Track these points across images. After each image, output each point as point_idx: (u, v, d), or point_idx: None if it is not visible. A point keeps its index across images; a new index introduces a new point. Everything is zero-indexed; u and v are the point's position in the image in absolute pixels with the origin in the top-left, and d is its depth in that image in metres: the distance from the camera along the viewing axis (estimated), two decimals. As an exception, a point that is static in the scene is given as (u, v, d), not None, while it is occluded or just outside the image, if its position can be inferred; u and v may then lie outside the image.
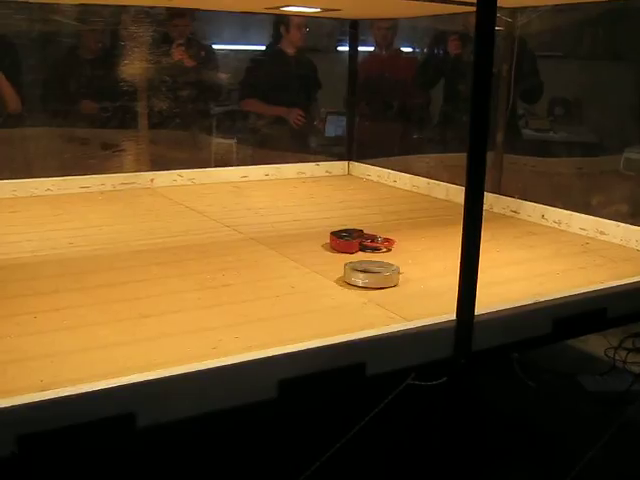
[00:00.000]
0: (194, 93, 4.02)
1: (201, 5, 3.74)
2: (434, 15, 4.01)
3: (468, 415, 1.77)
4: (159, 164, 3.72)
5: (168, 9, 3.83)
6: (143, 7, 3.51)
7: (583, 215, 2.82)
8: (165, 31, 3.90)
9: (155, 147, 3.86)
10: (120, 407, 1.36)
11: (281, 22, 4.40)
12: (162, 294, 1.99)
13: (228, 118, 4.40)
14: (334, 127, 4.64)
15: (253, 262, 2.33)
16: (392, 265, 2.17)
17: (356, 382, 1.66)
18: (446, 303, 1.77)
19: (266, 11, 3.81)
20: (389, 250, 2.47)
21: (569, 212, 2.87)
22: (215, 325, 1.75)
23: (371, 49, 4.73)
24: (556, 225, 2.89)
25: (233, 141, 4.28)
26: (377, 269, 2.14)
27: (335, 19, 4.24)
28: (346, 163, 4.17)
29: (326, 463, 1.67)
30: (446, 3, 3.00)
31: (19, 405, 1.27)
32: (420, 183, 3.64)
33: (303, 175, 4.01)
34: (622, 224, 2.66)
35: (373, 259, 2.28)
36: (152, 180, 3.59)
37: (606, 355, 3.26)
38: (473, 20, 1.57)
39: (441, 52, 4.55)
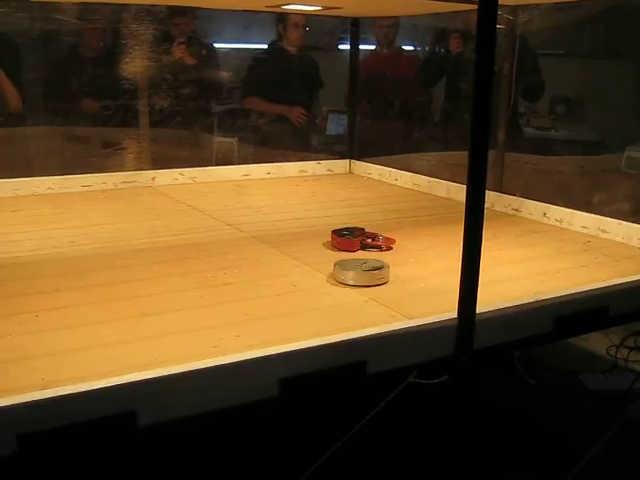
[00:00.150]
0: (195, 91, 4.02)
1: (202, 3, 3.74)
2: (435, 13, 4.01)
3: (470, 413, 1.77)
4: (160, 162, 3.72)
5: (169, 7, 3.82)
6: (144, 5, 3.51)
7: (585, 213, 2.81)
8: (166, 29, 3.90)
9: (156, 145, 3.86)
10: (121, 406, 1.36)
11: (279, 21, 4.40)
12: (163, 293, 1.99)
13: (229, 116, 4.40)
14: (335, 125, 4.63)
15: (254, 261, 2.33)
16: (382, 262, 2.17)
17: (357, 381, 1.66)
18: (447, 301, 1.77)
19: (267, 9, 3.80)
20: (390, 248, 2.47)
21: (571, 210, 2.86)
22: (216, 324, 1.75)
23: (372, 47, 4.72)
24: (558, 223, 2.89)
25: (234, 139, 4.28)
26: (367, 267, 2.14)
27: (336, 17, 4.24)
28: (347, 161, 4.17)
29: (327, 462, 1.67)
30: (447, 1, 2.99)
31: (20, 404, 1.27)
32: (421, 181, 3.64)
33: (304, 173, 4.01)
34: (624, 222, 2.65)
35: (363, 257, 2.28)
36: (153, 179, 3.60)
37: (608, 353, 3.26)
38: (474, 18, 1.57)
39: (442, 50, 4.55)
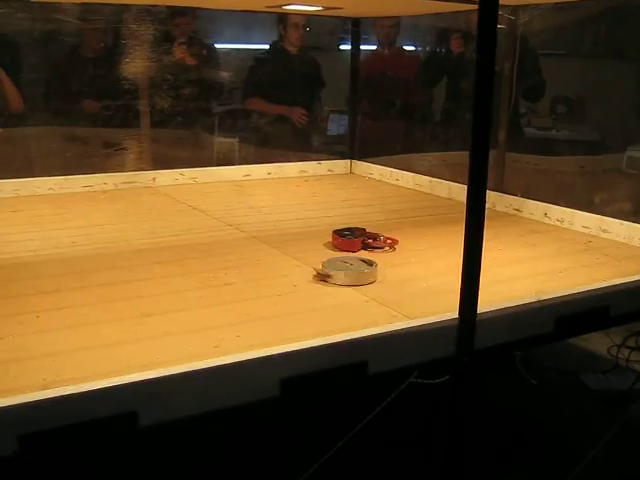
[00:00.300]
0: (196, 92, 4.01)
1: (203, 4, 3.74)
2: (436, 13, 4.01)
3: (471, 413, 1.77)
4: (161, 163, 3.72)
5: (170, 8, 3.82)
6: (145, 6, 3.51)
7: (586, 213, 2.81)
8: (167, 30, 3.89)
9: (157, 146, 3.86)
10: (122, 406, 1.36)
11: (280, 21, 4.40)
12: (164, 293, 1.99)
13: (230, 117, 4.39)
14: (336, 125, 4.63)
15: (255, 261, 2.33)
16: (370, 261, 2.19)
17: (358, 380, 1.66)
18: (449, 301, 1.77)
19: (268, 10, 3.80)
20: (392, 249, 2.47)
21: (572, 210, 2.86)
22: (217, 324, 1.75)
23: (373, 47, 4.72)
24: (559, 223, 2.89)
25: (235, 140, 4.28)
26: (355, 266, 2.14)
27: (337, 17, 4.24)
28: (348, 162, 4.17)
29: (329, 461, 1.67)
30: (448, 1, 2.99)
31: (21, 404, 1.27)
32: (422, 181, 3.64)
33: (305, 174, 4.01)
34: (625, 222, 2.65)
35: (354, 257, 2.29)
36: (154, 179, 3.60)
37: (609, 353, 3.26)
38: (475, 18, 1.57)
39: (443, 50, 4.55)
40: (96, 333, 1.68)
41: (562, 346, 3.26)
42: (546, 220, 2.94)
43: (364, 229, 2.55)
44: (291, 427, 2.55)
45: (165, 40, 3.82)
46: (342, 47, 4.70)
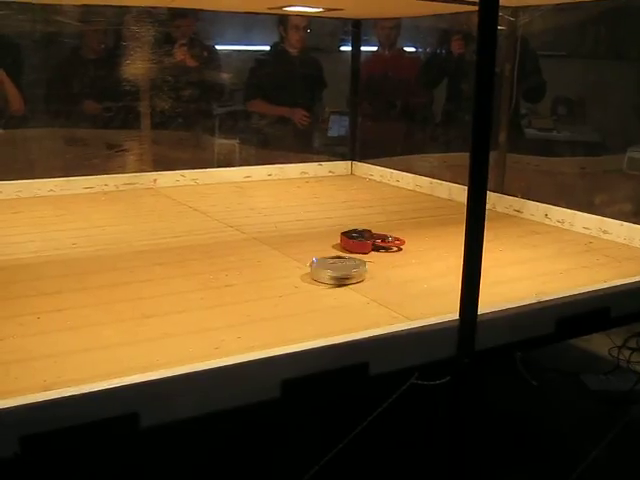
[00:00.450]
0: (196, 93, 4.02)
1: (203, 5, 3.74)
2: (437, 14, 4.01)
3: (471, 414, 1.77)
4: (162, 164, 3.72)
5: (170, 9, 3.83)
6: (145, 7, 3.51)
7: (586, 214, 2.81)
8: (167, 31, 3.90)
9: (158, 147, 3.86)
10: (123, 407, 1.36)
11: (281, 23, 4.40)
12: (165, 294, 1.99)
13: (231, 118, 4.40)
14: (337, 127, 4.64)
15: (256, 262, 2.33)
16: (359, 260, 2.20)
17: (359, 382, 1.66)
18: (449, 302, 1.77)
19: (269, 11, 3.81)
20: (400, 249, 2.47)
21: (572, 211, 2.86)
22: (218, 325, 1.75)
23: (374, 49, 4.72)
24: (559, 224, 2.89)
25: (236, 141, 4.28)
26: (343, 265, 2.15)
27: (337, 19, 4.24)
28: (349, 163, 4.17)
29: (330, 463, 1.67)
30: (448, 2, 2.99)
31: (22, 405, 1.27)
32: (423, 183, 3.64)
33: (306, 175, 4.01)
34: (626, 223, 2.65)
35: (342, 255, 2.30)
36: (155, 180, 3.60)
37: (610, 354, 3.26)
38: (475, 19, 1.57)
39: (444, 52, 4.55)
40: (97, 334, 1.68)
41: (563, 347, 3.26)
42: (547, 221, 2.94)
43: (370, 230, 2.55)
44: (292, 429, 2.55)
45: (166, 42, 3.83)
46: (343, 48, 4.71)
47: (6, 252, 2.40)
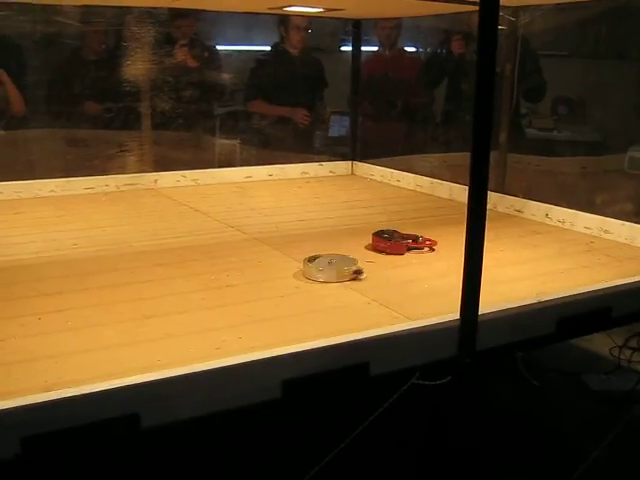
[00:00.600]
0: (197, 94, 4.02)
1: (204, 5, 3.74)
2: (437, 14, 4.01)
3: (473, 414, 1.77)
4: (162, 165, 3.72)
5: (171, 10, 3.83)
6: (146, 8, 3.51)
7: (587, 214, 2.81)
8: (168, 32, 3.90)
9: (158, 148, 3.86)
10: (124, 408, 1.36)
11: (281, 23, 4.40)
12: (166, 295, 1.99)
13: (231, 118, 4.40)
14: (338, 127, 4.64)
15: (257, 262, 2.33)
16: (351, 259, 2.21)
17: (360, 382, 1.66)
18: (450, 302, 1.77)
19: (269, 11, 3.81)
20: (432, 250, 2.48)
21: (573, 211, 2.86)
22: (219, 325, 1.75)
23: (374, 49, 4.72)
24: (560, 224, 2.89)
25: (236, 141, 4.28)
26: (335, 263, 2.16)
27: (338, 19, 4.24)
28: (350, 163, 4.17)
29: (331, 463, 1.67)
30: (449, 2, 2.99)
31: (23, 406, 1.27)
32: (424, 183, 3.64)
33: (307, 175, 4.01)
34: (627, 223, 2.65)
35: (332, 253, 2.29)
36: (156, 181, 3.60)
37: (611, 354, 3.26)
38: (476, 19, 1.57)
39: (444, 51, 4.55)
40: (98, 335, 1.68)
41: (564, 347, 3.26)
42: (547, 221, 2.94)
43: (397, 230, 2.53)
44: (293, 429, 2.55)
45: (166, 42, 3.83)
46: (343, 48, 4.71)
47: (7, 253, 2.40)
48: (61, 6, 3.42)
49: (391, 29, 4.56)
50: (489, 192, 1.66)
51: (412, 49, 4.97)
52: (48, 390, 1.34)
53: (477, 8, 1.55)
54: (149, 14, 3.53)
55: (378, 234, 2.49)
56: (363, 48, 4.23)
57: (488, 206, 1.67)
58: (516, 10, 3.35)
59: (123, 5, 3.49)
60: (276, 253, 2.44)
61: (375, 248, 2.46)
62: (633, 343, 3.15)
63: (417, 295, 2.03)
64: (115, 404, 1.35)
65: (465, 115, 3.83)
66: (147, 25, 3.53)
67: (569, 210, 2.88)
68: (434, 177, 3.62)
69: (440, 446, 1.83)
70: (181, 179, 3.67)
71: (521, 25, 3.41)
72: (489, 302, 1.79)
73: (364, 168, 4.08)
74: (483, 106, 1.60)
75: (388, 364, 1.67)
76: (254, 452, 2.49)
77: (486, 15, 1.56)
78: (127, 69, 3.61)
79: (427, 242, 2.49)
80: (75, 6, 3.50)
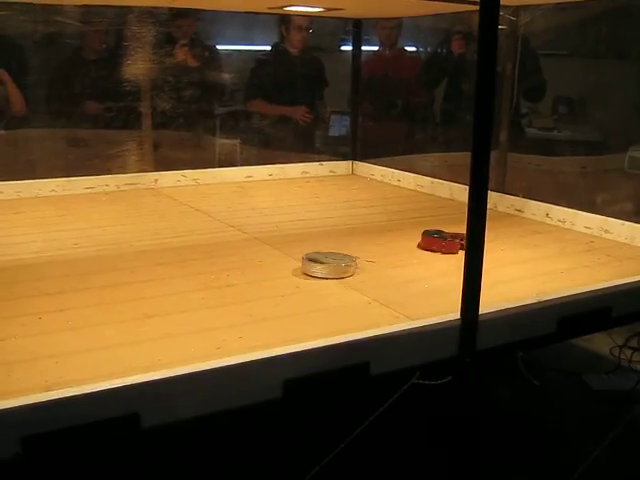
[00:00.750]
0: (197, 93, 4.02)
1: (204, 5, 3.74)
2: (437, 14, 4.01)
3: (473, 414, 1.77)
4: (163, 164, 3.72)
5: (171, 9, 3.83)
6: (147, 7, 3.51)
7: (588, 214, 2.81)
8: (169, 31, 3.90)
9: (159, 147, 3.86)
10: (125, 407, 1.36)
11: (282, 23, 4.40)
12: (166, 294, 1.99)
13: (232, 118, 4.40)
14: (338, 127, 4.64)
15: (257, 262, 2.33)
16: (348, 255, 2.23)
17: (361, 382, 1.66)
18: (450, 302, 1.77)
19: (269, 11, 3.81)
20: None
21: (573, 211, 2.86)
22: (219, 325, 1.75)
23: (375, 48, 4.72)
24: (560, 224, 2.89)
25: (237, 141, 4.29)
26: (334, 260, 2.18)
27: (338, 18, 4.24)
28: (350, 163, 4.17)
29: (331, 463, 1.67)
30: (449, 2, 2.99)
31: (23, 406, 1.27)
32: (424, 182, 3.64)
33: (307, 175, 4.01)
34: (627, 222, 2.65)
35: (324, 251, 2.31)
36: (156, 180, 3.60)
37: (611, 354, 3.25)
38: (476, 19, 1.57)
39: (445, 51, 4.55)
40: (98, 335, 1.68)
41: (564, 347, 3.26)
42: (548, 221, 2.94)
43: (441, 230, 2.54)
44: (293, 428, 2.55)
45: (167, 42, 3.83)
46: (343, 48, 4.71)
47: (8, 252, 2.40)
48: (62, 6, 3.42)
49: (391, 29, 4.56)
50: (489, 192, 1.67)
51: (412, 49, 4.97)
52: (49, 389, 1.34)
53: (477, 8, 1.55)
54: (149, 14, 3.53)
55: (428, 234, 2.49)
56: (363, 48, 4.24)
57: (488, 206, 1.67)
58: (516, 9, 3.35)
59: (124, 5, 3.49)
60: (276, 253, 2.44)
61: (428, 247, 2.46)
62: (633, 343, 3.14)
63: (418, 295, 2.03)
64: (115, 403, 1.35)
65: (465, 115, 3.84)
66: (147, 25, 3.53)
67: (569, 210, 2.88)
68: (434, 177, 3.62)
69: (441, 446, 1.83)
70: (181, 179, 3.67)
71: (521, 24, 3.41)
72: (489, 302, 1.79)
73: (364, 168, 4.08)
74: (483, 106, 1.60)
75: (388, 364, 1.67)
76: (255, 452, 2.49)
77: (486, 15, 1.56)
78: (127, 69, 3.61)
79: None
80: (76, 6, 3.50)
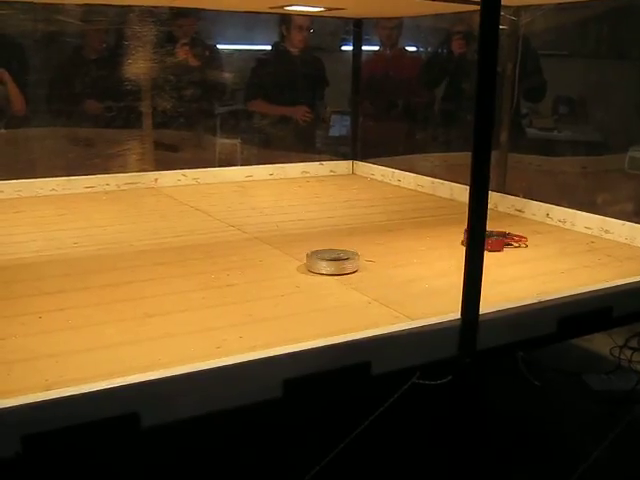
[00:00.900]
0: (198, 93, 4.02)
1: (205, 5, 3.74)
2: (438, 14, 4.01)
3: (473, 414, 1.77)
4: (163, 164, 3.72)
5: (172, 9, 3.83)
6: (147, 7, 3.51)
7: (588, 214, 2.81)
8: (169, 30, 3.90)
9: (159, 147, 3.86)
10: (124, 407, 1.36)
11: (283, 23, 4.40)
12: (166, 294, 1.99)
13: (232, 118, 4.40)
14: (338, 126, 4.64)
15: (257, 262, 2.33)
16: (352, 252, 2.25)
17: (361, 381, 1.66)
18: (451, 302, 1.77)
19: (270, 11, 3.81)
20: (525, 245, 2.52)
21: (574, 211, 2.86)
22: (219, 325, 1.75)
23: (375, 48, 4.72)
24: (561, 224, 2.89)
25: (237, 141, 4.28)
26: (338, 256, 2.20)
27: (339, 18, 4.24)
28: (350, 162, 4.17)
29: (331, 463, 1.67)
30: (450, 2, 2.99)
31: (24, 405, 1.28)
32: (424, 182, 3.64)
33: (307, 175, 4.01)
34: (627, 223, 2.65)
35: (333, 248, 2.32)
36: (156, 180, 3.60)
37: (611, 354, 3.25)
38: (477, 19, 1.57)
39: (445, 51, 4.55)
40: (98, 334, 1.68)
41: (564, 347, 3.25)
42: (548, 221, 2.94)
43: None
44: (293, 428, 2.55)
45: (168, 41, 3.83)
46: (344, 48, 4.71)
47: (8, 251, 2.40)
48: (62, 5, 3.42)
49: (392, 29, 4.56)
50: (490, 192, 1.67)
51: (413, 49, 4.97)
52: (49, 389, 1.34)
53: (478, 8, 1.55)
54: (150, 13, 3.53)
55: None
56: (364, 48, 4.24)
57: (489, 206, 1.67)
58: (517, 10, 3.35)
59: (124, 4, 3.49)
60: (276, 252, 2.44)
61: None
62: (634, 343, 3.15)
63: (418, 295, 2.03)
64: (115, 403, 1.35)
65: (466, 115, 3.83)
66: (148, 24, 3.53)
67: (570, 210, 2.88)
68: (435, 177, 3.62)
69: (441, 446, 1.83)
70: (182, 178, 3.67)
71: (522, 25, 3.41)
72: (490, 302, 1.79)
73: (365, 168, 4.08)
74: (484, 106, 1.60)
75: (389, 364, 1.67)
76: (255, 451, 2.49)
77: (487, 15, 1.56)
78: (128, 68, 3.61)
79: (517, 238, 2.54)
80: (76, 5, 3.49)
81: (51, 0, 3.39)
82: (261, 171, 3.91)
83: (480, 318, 1.73)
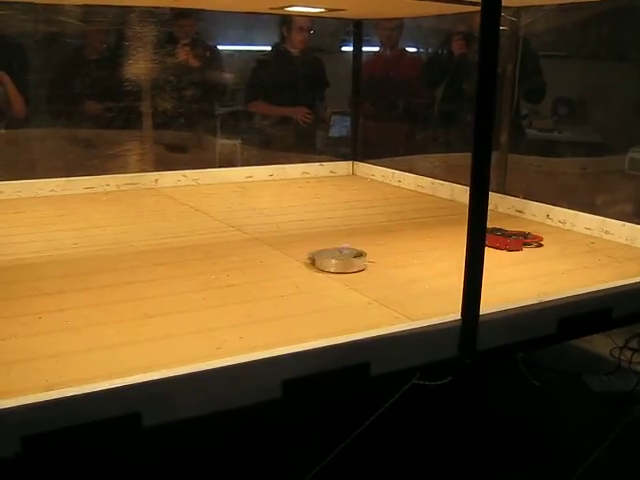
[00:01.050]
0: (198, 93, 4.02)
1: (206, 5, 3.74)
2: (438, 15, 4.01)
3: (473, 415, 1.77)
4: (163, 164, 3.72)
5: (173, 9, 3.83)
6: (148, 7, 3.51)
7: (588, 215, 2.81)
8: (170, 31, 3.90)
9: (159, 147, 3.86)
10: (125, 407, 1.36)
11: (283, 23, 4.40)
12: (167, 294, 1.99)
13: (232, 118, 4.40)
14: (338, 127, 4.64)
15: (258, 262, 2.33)
16: (358, 250, 2.27)
17: (361, 382, 1.66)
18: (451, 303, 1.77)
19: (271, 11, 3.81)
20: (540, 245, 2.55)
21: (574, 212, 2.86)
22: (219, 325, 1.75)
23: (375, 49, 4.72)
24: (561, 225, 2.89)
25: (237, 141, 4.28)
26: (344, 255, 2.23)
27: (339, 19, 4.24)
28: (350, 163, 4.17)
29: (331, 463, 1.67)
30: (450, 3, 2.99)
31: (24, 405, 1.28)
32: (424, 183, 3.64)
33: (307, 175, 4.01)
34: (627, 224, 2.65)
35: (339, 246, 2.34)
36: (156, 180, 3.60)
37: (611, 355, 3.26)
38: (477, 20, 1.57)
39: (445, 52, 4.55)
40: (99, 334, 1.68)
41: (564, 348, 3.25)
42: (548, 222, 2.94)
43: (502, 228, 2.60)
44: (293, 429, 2.55)
45: (168, 42, 3.83)
46: (344, 49, 4.71)
47: (8, 252, 2.40)
48: (63, 5, 3.42)
49: (392, 29, 4.56)
50: (490, 193, 1.67)
51: (413, 49, 4.97)
52: (49, 389, 1.34)
53: (479, 9, 1.56)
54: (151, 13, 3.53)
55: (491, 232, 2.51)
56: (364, 48, 4.24)
57: (489, 207, 1.67)
58: (518, 10, 3.35)
59: (125, 4, 3.49)
60: (277, 253, 2.44)
61: (493, 245, 2.48)
62: (633, 344, 3.15)
63: (418, 295, 2.03)
64: (116, 403, 1.35)
65: (466, 115, 3.83)
66: (149, 24, 3.53)
67: (570, 211, 2.88)
68: (435, 177, 3.62)
69: (441, 446, 1.83)
70: (182, 179, 3.67)
71: (522, 25, 3.41)
72: (490, 302, 1.79)
73: (365, 168, 4.09)
74: (484, 106, 1.60)
75: (389, 364, 1.67)
76: (255, 452, 2.49)
77: (488, 15, 1.57)
78: (129, 68, 3.61)
79: (534, 238, 2.58)
80: (77, 5, 3.49)
81: (51, 1, 3.39)
82: (261, 172, 3.91)
83: (480, 319, 1.73)
